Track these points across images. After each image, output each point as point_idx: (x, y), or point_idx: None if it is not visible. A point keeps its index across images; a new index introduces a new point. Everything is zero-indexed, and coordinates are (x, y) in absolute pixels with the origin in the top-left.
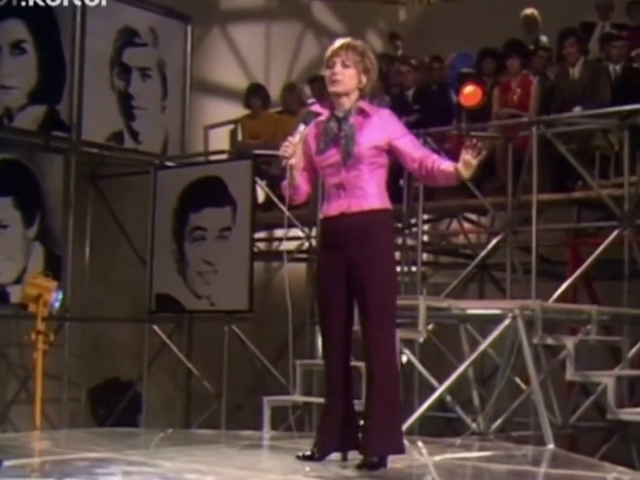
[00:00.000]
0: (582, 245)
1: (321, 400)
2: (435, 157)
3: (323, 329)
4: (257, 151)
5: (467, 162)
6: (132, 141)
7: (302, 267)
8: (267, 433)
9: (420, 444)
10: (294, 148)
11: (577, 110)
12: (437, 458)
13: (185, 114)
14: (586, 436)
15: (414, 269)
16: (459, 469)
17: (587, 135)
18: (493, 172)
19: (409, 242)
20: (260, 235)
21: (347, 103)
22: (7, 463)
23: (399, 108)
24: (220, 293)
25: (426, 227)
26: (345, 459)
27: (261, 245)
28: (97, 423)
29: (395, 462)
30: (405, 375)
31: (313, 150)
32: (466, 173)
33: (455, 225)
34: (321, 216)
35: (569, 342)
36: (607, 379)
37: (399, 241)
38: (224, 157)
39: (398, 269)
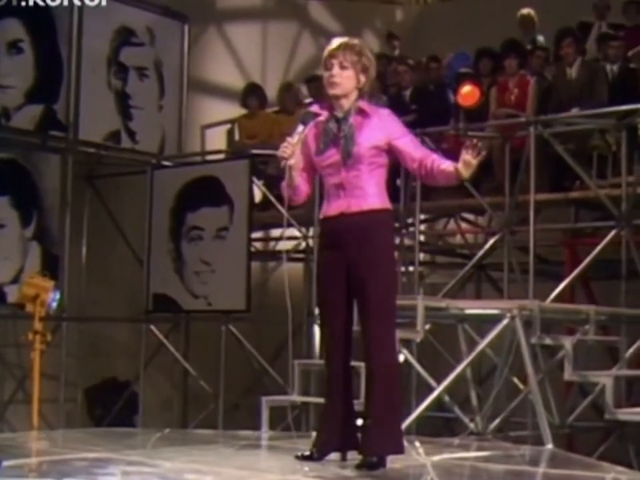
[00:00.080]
0: (579, 245)
1: (319, 400)
2: (435, 156)
3: (323, 329)
4: (254, 151)
5: (467, 162)
6: (129, 140)
7: (299, 266)
8: (265, 432)
9: (418, 444)
10: (293, 149)
11: (575, 112)
12: (436, 458)
13: (181, 113)
14: (583, 436)
15: (411, 268)
16: (458, 469)
17: (584, 135)
18: (490, 172)
19: (406, 242)
20: (257, 234)
21: (346, 103)
22: (5, 463)
23: (396, 108)
24: (217, 293)
25: (422, 227)
26: (344, 459)
27: (258, 245)
28: (93, 423)
29: (393, 462)
30: (402, 375)
31: (312, 150)
32: (466, 173)
33: (451, 224)
34: (320, 216)
35: (567, 342)
36: (605, 379)
37: (397, 240)
38: (221, 156)
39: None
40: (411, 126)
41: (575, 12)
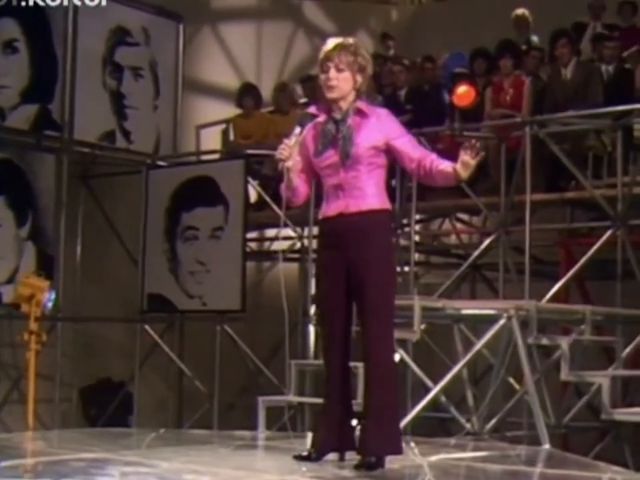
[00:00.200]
0: (575, 245)
1: (315, 400)
2: (433, 156)
3: (322, 329)
4: (249, 151)
5: (466, 162)
6: (124, 140)
7: (294, 266)
8: (261, 433)
9: (414, 444)
10: (290, 150)
11: (570, 112)
12: (433, 458)
13: (176, 113)
14: (579, 436)
15: (406, 269)
16: (456, 470)
17: (579, 136)
18: (485, 172)
19: (401, 242)
20: (251, 234)
21: (344, 104)
22: (2, 464)
23: (392, 108)
24: (212, 293)
25: (417, 227)
26: (342, 459)
27: (252, 245)
28: (88, 423)
29: (391, 462)
30: (398, 375)
31: (311, 151)
32: (464, 174)
33: (446, 225)
34: (319, 216)
35: (564, 342)
36: (601, 379)
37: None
38: (216, 156)
39: None
40: (406, 126)
41: (570, 12)
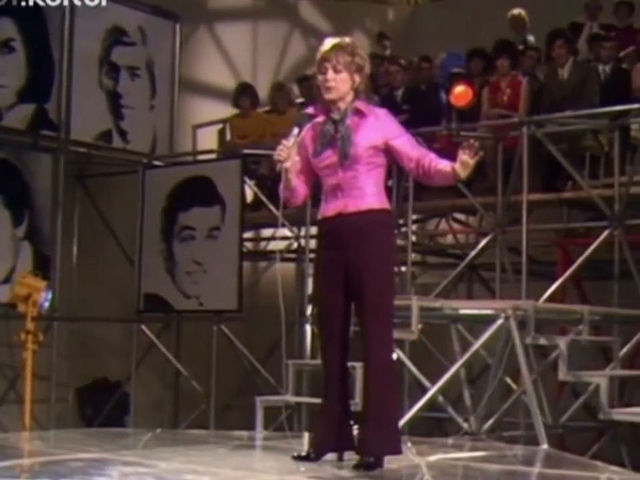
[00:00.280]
0: (572, 245)
1: (313, 400)
2: (432, 156)
3: (320, 329)
4: (246, 151)
5: (464, 162)
6: (120, 140)
7: (291, 266)
8: (259, 432)
9: (411, 444)
10: (288, 151)
11: (568, 113)
12: (431, 458)
13: (173, 113)
14: (575, 436)
15: (403, 269)
16: (455, 470)
17: (577, 136)
18: (482, 172)
19: (398, 242)
20: (248, 234)
21: (342, 105)
22: (0, 464)
23: (388, 108)
24: (209, 293)
25: (414, 227)
26: (340, 459)
27: (249, 245)
28: (84, 423)
29: (389, 462)
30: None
31: (310, 152)
32: (463, 173)
33: (442, 225)
34: (319, 216)
35: (562, 342)
36: (599, 379)
37: None
38: (212, 156)
39: None
40: (403, 126)
41: (566, 12)
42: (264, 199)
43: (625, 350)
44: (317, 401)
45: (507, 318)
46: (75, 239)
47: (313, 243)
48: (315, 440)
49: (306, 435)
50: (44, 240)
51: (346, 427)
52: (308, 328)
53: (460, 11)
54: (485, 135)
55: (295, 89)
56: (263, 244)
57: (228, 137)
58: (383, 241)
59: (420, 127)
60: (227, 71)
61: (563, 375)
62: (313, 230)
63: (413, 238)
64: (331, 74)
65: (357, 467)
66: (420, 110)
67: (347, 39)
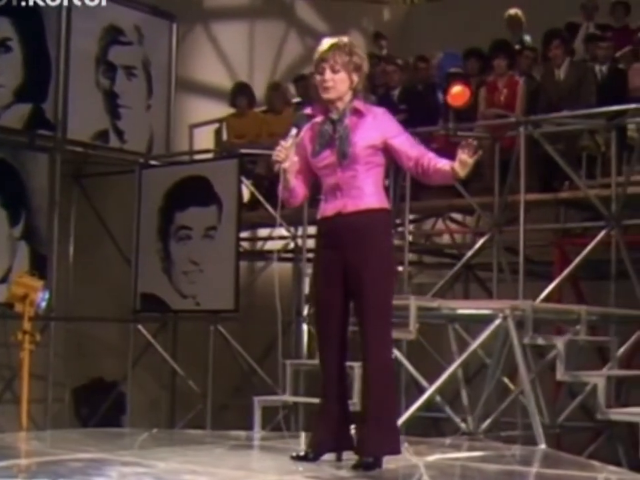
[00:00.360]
0: (569, 245)
1: (311, 400)
2: (431, 155)
3: (318, 329)
4: (243, 150)
5: (463, 161)
6: (117, 139)
7: (287, 266)
8: (257, 433)
9: (409, 444)
10: (286, 152)
11: (565, 113)
12: (430, 458)
13: (169, 112)
14: (571, 436)
15: (400, 268)
16: (453, 470)
17: (573, 136)
18: (479, 172)
19: (395, 242)
20: (244, 234)
21: (340, 105)
22: None
23: (385, 108)
24: (205, 293)
25: (410, 227)
26: (339, 459)
27: (245, 244)
28: (80, 423)
29: (387, 462)
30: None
31: (308, 152)
32: (462, 172)
33: (439, 224)
34: (318, 216)
35: (560, 342)
36: (597, 379)
37: None
38: (209, 156)
39: None
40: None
41: (562, 12)
42: (261, 198)
43: (622, 350)
44: (315, 401)
45: (504, 318)
46: (72, 239)
47: (310, 243)
48: (314, 440)
49: (303, 435)
50: (40, 240)
51: (344, 427)
52: (305, 328)
53: (456, 11)
54: (482, 134)
55: (292, 89)
56: (259, 244)
57: (225, 136)
58: (382, 240)
59: (417, 126)
60: (224, 71)
61: (560, 375)
62: (310, 230)
63: (410, 238)
64: (328, 74)
65: (355, 467)
66: (417, 110)
67: (345, 39)
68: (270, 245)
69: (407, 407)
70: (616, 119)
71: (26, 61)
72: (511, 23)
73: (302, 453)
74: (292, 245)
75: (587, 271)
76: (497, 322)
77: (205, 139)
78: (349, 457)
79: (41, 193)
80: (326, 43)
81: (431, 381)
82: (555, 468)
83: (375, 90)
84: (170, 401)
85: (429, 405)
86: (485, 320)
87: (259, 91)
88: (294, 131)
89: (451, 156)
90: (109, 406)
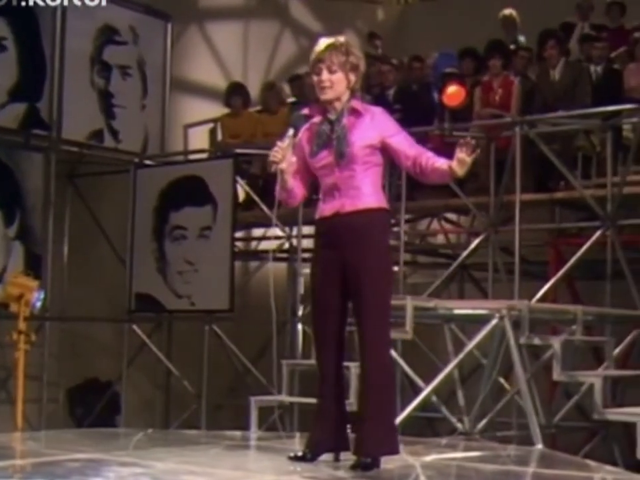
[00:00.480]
0: (564, 245)
1: (308, 400)
2: (429, 154)
3: (316, 328)
4: (238, 150)
5: (461, 160)
6: (112, 139)
7: (282, 266)
8: (253, 433)
9: (405, 444)
10: (283, 152)
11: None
12: (427, 458)
13: (164, 112)
14: (567, 436)
15: (395, 268)
16: (451, 470)
17: (569, 136)
18: (474, 172)
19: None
20: (239, 234)
21: (338, 105)
22: None
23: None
24: (200, 293)
25: (405, 227)
26: (337, 459)
27: (240, 244)
28: (74, 423)
29: (385, 462)
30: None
31: (306, 153)
32: (460, 171)
33: (434, 224)
34: (316, 216)
35: (556, 342)
36: (593, 379)
37: None
38: (204, 155)
39: None
40: None
41: (557, 12)
42: (256, 198)
43: (618, 350)
44: (311, 401)
45: (501, 318)
46: (66, 239)
47: (305, 243)
48: (311, 440)
49: (298, 435)
50: (35, 239)
51: (342, 427)
52: (300, 327)
53: (450, 11)
54: (478, 134)
55: (287, 89)
56: (254, 243)
57: (219, 136)
58: (380, 240)
59: (412, 126)
60: (218, 71)
61: (557, 375)
62: (305, 230)
63: (405, 238)
64: (325, 74)
65: (353, 467)
66: (412, 110)
67: (341, 39)
68: (264, 245)
69: (402, 407)
70: (611, 119)
71: (21, 61)
72: (506, 23)
73: (299, 453)
74: (287, 245)
75: (582, 271)
76: (494, 322)
77: (199, 139)
78: (347, 457)
79: (35, 192)
80: (322, 43)
81: (425, 381)
82: (552, 468)
83: (370, 90)
84: (165, 401)
85: (425, 405)
86: (481, 320)
87: (254, 90)
88: (291, 131)
89: (446, 156)
90: (104, 406)
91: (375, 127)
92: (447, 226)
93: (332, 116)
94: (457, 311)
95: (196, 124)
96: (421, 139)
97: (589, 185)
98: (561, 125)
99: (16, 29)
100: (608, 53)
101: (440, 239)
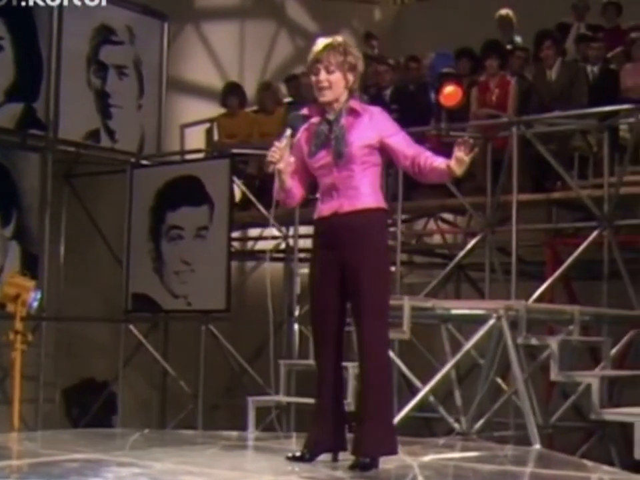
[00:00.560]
0: (561, 245)
1: (305, 400)
2: (427, 153)
3: (314, 328)
4: (234, 150)
5: (460, 159)
6: (108, 139)
7: (279, 266)
8: (251, 433)
9: (403, 444)
10: (281, 153)
11: (557, 113)
12: (425, 459)
13: (161, 112)
14: (563, 436)
15: (392, 268)
16: (450, 470)
17: (566, 136)
18: (471, 172)
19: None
20: (235, 234)
21: (337, 105)
22: None
23: None
24: (197, 293)
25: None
26: (335, 459)
27: (236, 244)
28: (71, 423)
29: (384, 463)
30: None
31: (305, 153)
32: (458, 170)
33: (430, 224)
34: (314, 216)
35: (553, 342)
36: (591, 379)
37: None
38: (201, 155)
39: None
40: None
41: (553, 13)
42: (253, 198)
43: (615, 350)
44: (309, 401)
45: (498, 318)
46: (63, 239)
47: (301, 243)
48: (309, 440)
49: (295, 435)
50: (32, 239)
51: (340, 427)
52: (296, 328)
53: (446, 11)
54: (474, 135)
55: (283, 89)
56: (250, 243)
57: (216, 136)
58: (379, 240)
59: (409, 127)
60: (214, 70)
61: (554, 375)
62: (302, 230)
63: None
64: (323, 75)
65: (352, 467)
66: (409, 110)
67: (339, 38)
68: (261, 245)
69: (400, 407)
70: (608, 120)
71: (17, 61)
72: (502, 23)
73: (298, 454)
74: (283, 245)
75: (579, 271)
76: (491, 322)
77: (196, 139)
78: (345, 457)
79: (32, 192)
80: (320, 43)
81: (422, 381)
82: (550, 468)
83: (367, 90)
84: (161, 401)
85: (422, 405)
86: (479, 320)
87: (250, 90)
88: (288, 131)
89: (444, 156)
90: (100, 406)
91: (374, 127)
92: (444, 226)
93: (330, 116)
94: (454, 311)
95: (192, 124)
96: (418, 139)
97: (585, 185)
98: (558, 125)
99: (13, 29)
100: (604, 53)
101: (436, 239)
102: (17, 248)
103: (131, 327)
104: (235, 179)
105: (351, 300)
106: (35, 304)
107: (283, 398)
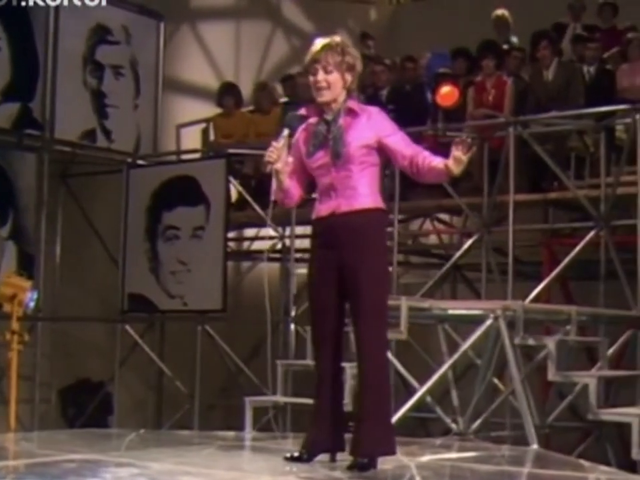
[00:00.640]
0: (558, 245)
1: (301, 400)
2: (426, 153)
3: (313, 329)
4: (230, 150)
5: (458, 158)
6: (104, 139)
7: (275, 266)
8: (248, 433)
9: (400, 445)
10: (278, 152)
11: (553, 113)
12: (422, 459)
13: (157, 112)
14: (560, 436)
15: (389, 269)
16: (448, 470)
17: (562, 136)
18: (468, 172)
19: None
20: (231, 234)
21: (335, 105)
22: None
23: None
24: (193, 293)
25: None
26: (333, 459)
27: (232, 244)
28: (66, 423)
29: (381, 463)
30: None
31: (303, 153)
32: (456, 170)
33: (426, 225)
34: (313, 217)
35: (550, 342)
36: (588, 379)
37: None
38: (197, 155)
39: None
40: None
41: (549, 13)
42: (249, 198)
43: (611, 350)
44: (307, 401)
45: (496, 318)
46: (59, 239)
47: (298, 243)
48: (308, 440)
49: (293, 436)
50: (28, 239)
51: (339, 427)
52: (293, 328)
53: (442, 11)
54: (471, 135)
55: (279, 89)
56: (246, 244)
57: (212, 136)
58: (377, 240)
59: (405, 127)
60: (210, 70)
61: (551, 375)
62: (298, 230)
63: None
64: (321, 75)
65: (350, 467)
66: (405, 110)
67: (337, 39)
68: (257, 245)
69: (396, 408)
70: (604, 120)
71: (14, 60)
72: (498, 23)
73: (296, 454)
74: (280, 245)
75: (576, 271)
76: (488, 322)
77: (192, 139)
78: (343, 457)
79: (28, 192)
80: (318, 43)
81: (419, 382)
82: (547, 468)
83: (363, 90)
84: (157, 401)
85: (419, 405)
86: (476, 320)
87: (246, 90)
88: (285, 131)
89: (440, 156)
90: (96, 406)
91: (372, 127)
92: (440, 226)
93: (328, 116)
94: (451, 312)
95: (188, 124)
96: (415, 140)
97: (582, 186)
98: (554, 126)
99: (9, 29)
100: (600, 53)
101: (433, 239)
102: (13, 248)
103: (127, 327)
104: (231, 179)
105: (349, 300)
106: (32, 304)
107: (280, 398)
